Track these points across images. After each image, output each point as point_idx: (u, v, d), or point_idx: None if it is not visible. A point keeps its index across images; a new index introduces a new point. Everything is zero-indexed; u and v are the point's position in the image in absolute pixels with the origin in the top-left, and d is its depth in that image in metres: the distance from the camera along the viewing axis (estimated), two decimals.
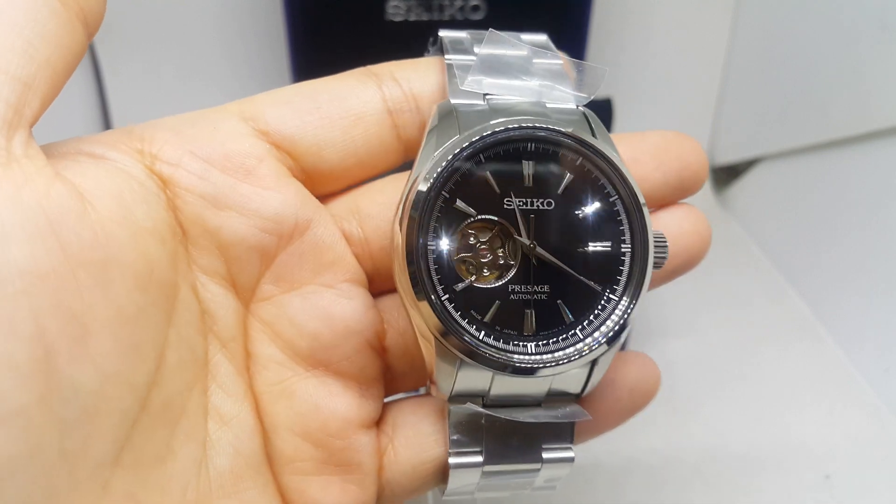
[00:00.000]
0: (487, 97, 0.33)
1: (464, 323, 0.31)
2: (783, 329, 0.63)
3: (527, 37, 0.35)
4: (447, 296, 0.31)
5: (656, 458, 0.52)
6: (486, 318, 0.31)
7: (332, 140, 0.33)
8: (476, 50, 0.34)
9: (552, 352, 0.31)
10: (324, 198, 0.34)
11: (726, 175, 0.78)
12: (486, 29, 0.34)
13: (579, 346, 0.32)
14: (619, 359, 0.36)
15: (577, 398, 0.34)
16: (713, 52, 0.74)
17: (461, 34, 0.35)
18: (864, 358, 0.58)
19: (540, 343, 0.31)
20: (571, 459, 0.34)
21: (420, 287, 0.30)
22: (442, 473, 0.34)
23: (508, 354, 0.31)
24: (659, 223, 0.36)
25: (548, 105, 0.33)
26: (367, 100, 0.33)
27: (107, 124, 0.69)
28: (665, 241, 0.33)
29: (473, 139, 0.31)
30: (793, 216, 0.68)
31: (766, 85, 0.70)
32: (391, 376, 0.35)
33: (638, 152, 0.35)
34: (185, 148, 0.31)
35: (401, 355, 0.34)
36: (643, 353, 0.37)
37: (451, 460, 0.33)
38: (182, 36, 0.68)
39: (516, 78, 0.33)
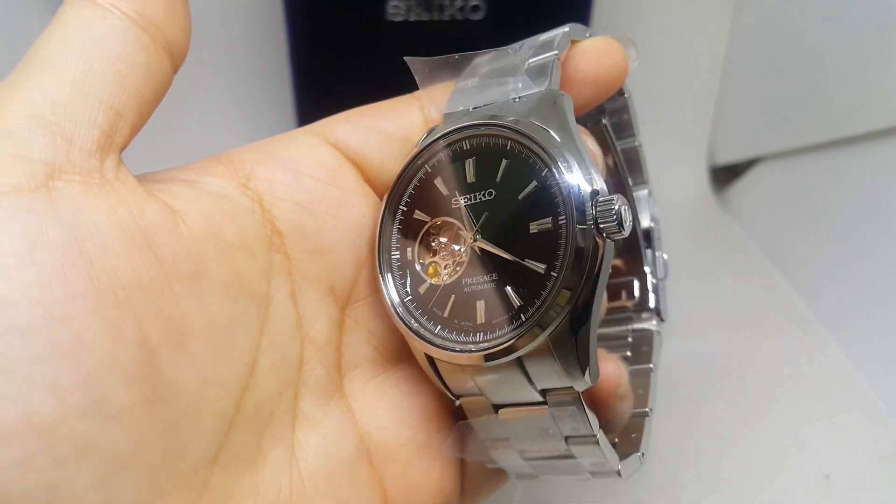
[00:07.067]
0: (475, 109, 0.34)
1: (423, 320, 0.33)
2: (783, 329, 0.63)
3: (545, 35, 0.36)
4: (409, 297, 0.33)
5: (656, 457, 0.52)
6: (445, 314, 0.33)
7: (392, 153, 0.35)
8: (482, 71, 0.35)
9: (497, 338, 0.31)
10: None
11: (726, 175, 0.78)
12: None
13: (520, 328, 0.30)
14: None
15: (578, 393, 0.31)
16: (713, 52, 0.74)
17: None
18: (864, 358, 0.58)
19: (488, 332, 0.31)
20: (594, 438, 0.33)
21: (387, 292, 0.33)
22: None
23: (461, 345, 0.32)
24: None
25: (519, 96, 0.34)
26: (413, 120, 0.35)
27: None
28: (612, 201, 0.29)
29: (413, 153, 0.34)
30: (793, 216, 0.68)
31: (766, 85, 0.70)
32: None
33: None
34: (274, 163, 0.33)
35: None
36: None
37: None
38: None
39: (488, 87, 0.34)
